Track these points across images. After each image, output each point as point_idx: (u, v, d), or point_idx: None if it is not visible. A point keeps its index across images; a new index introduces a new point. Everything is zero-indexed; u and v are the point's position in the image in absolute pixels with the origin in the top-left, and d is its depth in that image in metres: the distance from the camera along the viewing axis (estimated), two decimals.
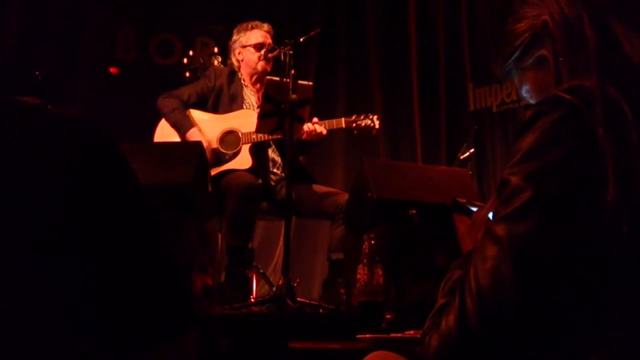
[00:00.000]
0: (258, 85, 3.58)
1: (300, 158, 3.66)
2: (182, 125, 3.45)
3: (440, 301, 0.91)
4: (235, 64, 3.65)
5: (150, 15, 5.03)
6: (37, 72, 1.11)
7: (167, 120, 3.51)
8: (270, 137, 3.38)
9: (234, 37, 3.67)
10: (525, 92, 1.06)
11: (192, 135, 3.42)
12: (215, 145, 3.45)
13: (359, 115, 3.49)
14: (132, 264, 0.92)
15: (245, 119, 3.44)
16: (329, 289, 3.26)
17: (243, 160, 3.40)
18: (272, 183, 3.48)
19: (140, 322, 0.93)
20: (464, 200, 1.23)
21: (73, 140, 0.91)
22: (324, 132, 3.39)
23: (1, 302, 0.85)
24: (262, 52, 3.54)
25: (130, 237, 0.93)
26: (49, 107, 0.92)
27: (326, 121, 3.42)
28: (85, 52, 4.84)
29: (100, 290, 0.90)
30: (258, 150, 3.47)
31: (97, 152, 0.93)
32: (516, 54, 1.02)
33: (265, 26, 3.64)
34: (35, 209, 0.87)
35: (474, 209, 1.17)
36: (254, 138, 3.41)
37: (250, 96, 3.59)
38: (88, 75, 4.83)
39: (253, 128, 3.39)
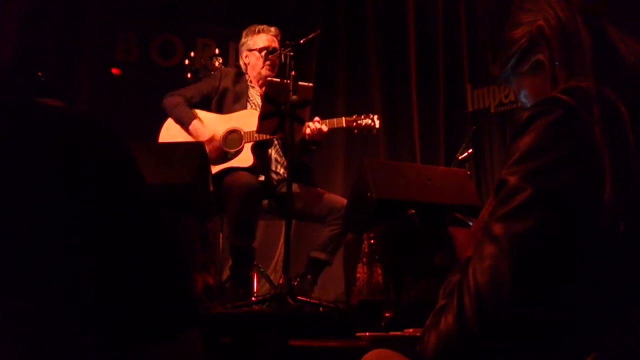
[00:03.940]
0: (264, 88, 3.60)
1: (305, 159, 3.67)
2: (185, 119, 3.48)
3: (440, 302, 0.90)
4: (243, 66, 3.67)
5: (152, 16, 5.04)
6: (39, 73, 1.11)
7: (171, 116, 3.53)
8: (272, 136, 3.40)
9: (242, 40, 3.70)
10: (523, 97, 1.06)
11: (196, 126, 3.44)
12: (219, 142, 3.47)
13: (359, 115, 3.50)
14: (134, 262, 0.93)
15: (248, 119, 3.46)
16: (301, 284, 3.27)
17: (244, 159, 3.42)
18: (274, 183, 3.49)
19: (142, 319, 0.93)
20: (461, 216, 1.23)
21: (87, 140, 0.92)
22: (325, 129, 3.40)
23: (2, 300, 0.86)
24: (266, 55, 3.57)
25: (133, 235, 0.93)
26: (65, 107, 0.93)
27: (327, 120, 3.44)
28: (87, 54, 4.85)
29: (102, 288, 0.90)
30: (261, 149, 3.48)
31: (110, 153, 0.94)
32: (513, 60, 1.03)
33: (273, 30, 3.64)
34: (44, 206, 0.88)
35: (471, 224, 1.17)
36: (256, 137, 3.42)
37: (256, 96, 3.60)
38: (90, 77, 4.83)
39: (255, 127, 3.42)
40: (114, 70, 4.91)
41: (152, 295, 0.94)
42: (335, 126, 3.46)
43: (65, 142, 0.91)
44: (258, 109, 3.53)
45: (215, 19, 5.20)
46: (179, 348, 0.97)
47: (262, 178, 3.40)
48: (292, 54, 3.15)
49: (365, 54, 5.55)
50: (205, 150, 3.22)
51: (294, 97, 2.99)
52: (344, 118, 3.49)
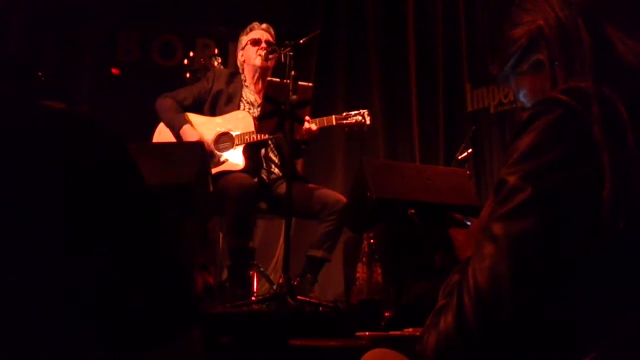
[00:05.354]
0: (260, 85, 3.60)
1: (300, 161, 3.67)
2: (176, 123, 3.48)
3: (441, 303, 0.90)
4: (240, 66, 3.69)
5: (152, 16, 5.04)
6: (40, 73, 1.12)
7: (163, 120, 3.54)
8: (264, 137, 3.40)
9: (238, 43, 3.73)
10: (522, 97, 1.06)
11: (186, 131, 3.44)
12: (210, 146, 3.48)
13: (349, 112, 3.47)
14: (135, 263, 0.93)
15: (239, 121, 3.47)
16: (301, 283, 3.26)
17: (237, 162, 3.42)
18: (269, 182, 3.49)
19: (144, 320, 0.94)
20: (460, 217, 1.23)
21: (87, 141, 0.92)
22: (314, 128, 3.39)
23: (4, 301, 0.86)
24: (260, 47, 3.56)
25: (134, 236, 0.94)
26: (67, 109, 0.93)
27: (317, 119, 3.42)
28: (88, 54, 4.85)
29: (103, 289, 0.90)
30: (253, 151, 3.48)
31: (110, 154, 0.94)
32: (513, 60, 1.03)
33: (264, 25, 3.67)
34: (45, 207, 0.88)
35: (470, 224, 1.17)
36: (247, 139, 3.43)
37: (250, 95, 3.61)
38: (90, 77, 4.83)
39: (247, 129, 3.42)
40: (114, 70, 4.91)
41: (153, 296, 0.95)
42: (326, 125, 3.43)
43: (66, 143, 0.91)
44: (252, 108, 3.55)
45: (215, 19, 5.21)
46: (179, 348, 0.97)
47: (255, 180, 3.40)
48: (292, 54, 3.15)
49: (365, 54, 5.55)
50: (205, 150, 3.23)
51: (294, 97, 2.99)
52: (334, 116, 3.46)
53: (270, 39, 3.62)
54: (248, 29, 3.68)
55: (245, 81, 3.65)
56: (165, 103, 3.54)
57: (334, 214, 3.29)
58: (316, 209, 3.35)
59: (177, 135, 3.48)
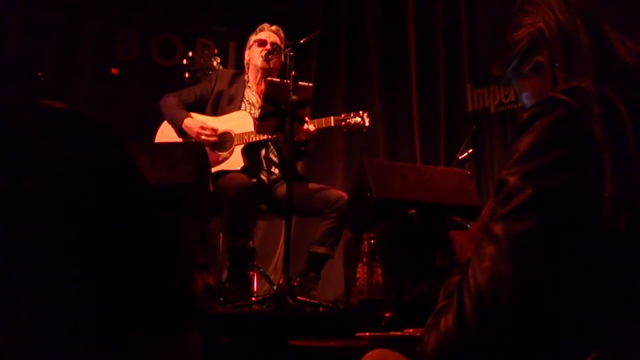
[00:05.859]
0: (262, 86, 3.59)
1: (299, 163, 3.66)
2: (177, 119, 3.48)
3: (441, 303, 0.90)
4: (246, 67, 3.69)
5: (152, 16, 5.04)
6: (39, 73, 1.12)
7: (165, 117, 3.55)
8: (263, 137, 3.40)
9: (247, 42, 3.73)
10: (525, 98, 1.06)
11: (187, 124, 3.44)
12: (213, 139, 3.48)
13: (348, 113, 3.46)
14: (134, 262, 0.93)
15: (239, 121, 3.47)
16: (303, 281, 3.26)
17: (235, 161, 3.42)
18: (268, 183, 3.49)
19: (143, 320, 0.94)
20: (459, 219, 1.23)
21: (90, 142, 0.92)
22: (312, 129, 3.38)
23: (4, 301, 0.86)
24: (264, 48, 3.56)
25: (133, 235, 0.94)
26: (67, 108, 0.93)
27: (315, 120, 3.42)
28: (87, 54, 4.86)
29: (102, 288, 0.90)
30: (252, 151, 3.48)
31: (110, 154, 0.94)
32: (514, 62, 1.03)
33: (273, 27, 3.67)
34: (45, 206, 0.88)
35: (469, 226, 1.17)
36: (246, 139, 3.43)
37: (252, 96, 3.61)
38: (90, 77, 4.84)
39: (247, 129, 3.42)
40: (113, 70, 4.91)
41: (153, 296, 0.95)
42: (324, 126, 3.41)
43: (66, 143, 0.91)
44: (253, 109, 3.55)
45: (215, 19, 5.21)
46: (179, 348, 0.97)
47: (254, 180, 3.40)
48: (292, 54, 3.15)
49: (365, 54, 5.55)
50: (205, 150, 3.23)
51: (294, 97, 2.99)
52: (332, 117, 3.44)
53: (278, 41, 3.61)
54: (257, 30, 3.67)
55: (248, 81, 3.65)
56: (168, 101, 3.55)
57: (336, 211, 3.29)
58: (318, 207, 3.35)
59: (178, 130, 3.47)
